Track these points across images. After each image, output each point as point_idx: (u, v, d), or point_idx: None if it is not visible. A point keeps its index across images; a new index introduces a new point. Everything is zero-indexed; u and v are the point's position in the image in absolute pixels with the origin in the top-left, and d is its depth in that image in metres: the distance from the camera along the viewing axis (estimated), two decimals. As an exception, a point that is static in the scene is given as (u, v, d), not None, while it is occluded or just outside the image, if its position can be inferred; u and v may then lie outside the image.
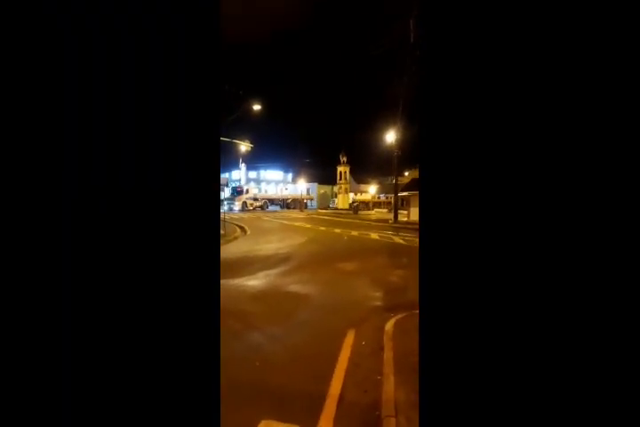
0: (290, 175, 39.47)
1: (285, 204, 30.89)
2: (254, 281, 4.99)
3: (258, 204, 27.02)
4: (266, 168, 37.32)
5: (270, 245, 8.53)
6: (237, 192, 24.45)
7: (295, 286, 4.70)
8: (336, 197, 35.54)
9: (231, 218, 15.27)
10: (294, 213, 23.62)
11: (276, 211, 27.02)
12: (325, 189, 37.69)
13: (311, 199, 34.59)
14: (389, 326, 3.15)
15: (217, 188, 0.96)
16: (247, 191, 26.09)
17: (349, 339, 2.96)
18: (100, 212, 0.84)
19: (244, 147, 22.76)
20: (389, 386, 2.12)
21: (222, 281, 4.84)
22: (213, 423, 0.87)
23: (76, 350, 0.82)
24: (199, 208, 0.91)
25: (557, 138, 0.80)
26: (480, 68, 0.84)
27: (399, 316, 3.39)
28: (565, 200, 0.80)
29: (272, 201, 30.12)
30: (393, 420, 1.80)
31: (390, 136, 17.44)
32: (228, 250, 7.84)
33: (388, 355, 2.56)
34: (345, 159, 34.30)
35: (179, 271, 0.88)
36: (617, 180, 0.77)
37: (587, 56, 0.78)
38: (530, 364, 0.80)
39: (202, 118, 0.91)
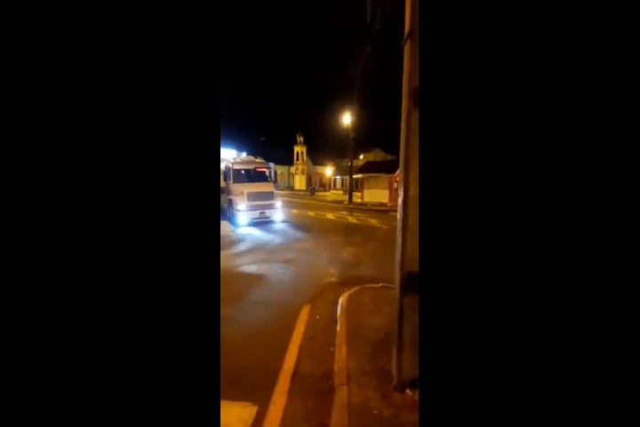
0: (244, 154, 38.00)
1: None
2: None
3: None
4: (218, 147, 35.41)
5: (222, 226, 8.21)
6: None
7: (250, 267, 4.60)
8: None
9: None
10: (249, 195, 22.96)
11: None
12: (282, 169, 36.98)
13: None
14: (343, 299, 3.22)
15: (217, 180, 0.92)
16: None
17: (304, 314, 2.97)
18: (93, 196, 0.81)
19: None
20: (342, 355, 2.17)
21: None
22: (213, 413, 0.86)
23: (73, 335, 0.79)
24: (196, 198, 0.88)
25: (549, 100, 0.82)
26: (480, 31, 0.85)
27: (352, 290, 3.48)
28: (557, 156, 0.81)
29: None
30: (345, 387, 1.85)
31: (346, 118, 17.37)
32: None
33: (341, 327, 2.62)
34: (302, 139, 33.73)
35: (176, 257, 0.85)
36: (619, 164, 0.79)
37: (587, 36, 0.79)
38: (525, 334, 0.83)
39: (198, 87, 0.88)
